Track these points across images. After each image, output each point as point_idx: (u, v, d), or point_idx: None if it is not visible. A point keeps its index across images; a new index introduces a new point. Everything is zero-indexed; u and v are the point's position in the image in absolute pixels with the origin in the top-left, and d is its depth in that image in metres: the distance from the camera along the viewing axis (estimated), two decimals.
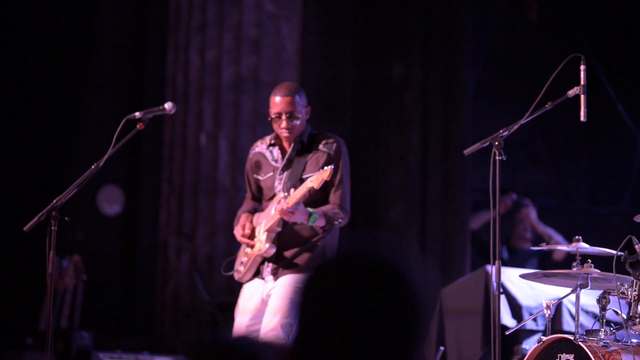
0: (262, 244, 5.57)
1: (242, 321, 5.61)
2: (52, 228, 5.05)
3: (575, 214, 10.40)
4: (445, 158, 9.55)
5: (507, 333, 5.60)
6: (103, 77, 10.20)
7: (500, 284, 4.94)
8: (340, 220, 5.56)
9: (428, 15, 9.69)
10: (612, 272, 5.03)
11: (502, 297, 6.39)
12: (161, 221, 9.52)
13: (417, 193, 9.55)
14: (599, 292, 5.17)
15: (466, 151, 5.34)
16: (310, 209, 5.45)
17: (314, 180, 5.33)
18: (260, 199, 5.84)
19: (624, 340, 5.05)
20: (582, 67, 5.08)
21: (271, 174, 5.72)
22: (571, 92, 5.07)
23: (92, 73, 10.11)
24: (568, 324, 6.68)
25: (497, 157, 5.01)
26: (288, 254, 5.59)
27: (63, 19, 9.91)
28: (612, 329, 5.11)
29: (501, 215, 4.88)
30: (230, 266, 5.84)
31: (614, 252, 5.09)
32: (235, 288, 5.85)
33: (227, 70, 9.24)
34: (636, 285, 4.99)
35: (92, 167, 5.16)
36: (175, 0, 9.57)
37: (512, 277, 6.76)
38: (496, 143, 5.03)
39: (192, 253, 9.17)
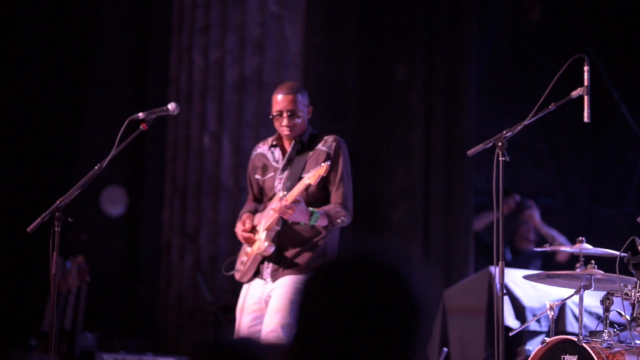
0: (262, 242, 5.59)
1: (243, 321, 5.63)
2: (56, 229, 5.05)
3: (579, 215, 10.39)
4: (448, 159, 9.55)
5: (510, 334, 5.59)
6: (106, 77, 10.21)
7: (503, 285, 4.93)
8: (343, 218, 5.56)
9: (431, 16, 9.69)
10: (615, 273, 5.02)
11: (506, 298, 6.38)
12: (164, 222, 9.52)
13: (420, 194, 9.54)
14: (602, 293, 5.17)
15: (469, 152, 5.33)
16: (311, 209, 5.46)
17: (311, 176, 5.35)
18: (261, 201, 5.85)
19: (627, 341, 5.05)
20: (586, 68, 5.07)
21: (272, 174, 5.73)
22: (575, 93, 5.06)
23: (95, 73, 10.11)
24: (571, 325, 6.67)
25: (500, 158, 5.01)
26: (289, 254, 5.60)
27: (66, 19, 9.91)
28: (615, 330, 5.11)
29: (504, 217, 4.87)
30: (232, 266, 5.86)
31: (617, 253, 5.09)
32: (238, 289, 5.85)
33: (230, 71, 9.24)
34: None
35: (96, 167, 5.16)
36: (179, 0, 9.57)
37: (516, 278, 6.76)
38: (500, 144, 5.03)
39: (195, 254, 9.17)
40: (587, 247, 5.33)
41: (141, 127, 5.28)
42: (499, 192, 4.96)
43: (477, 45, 9.87)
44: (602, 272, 5.16)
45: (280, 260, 5.60)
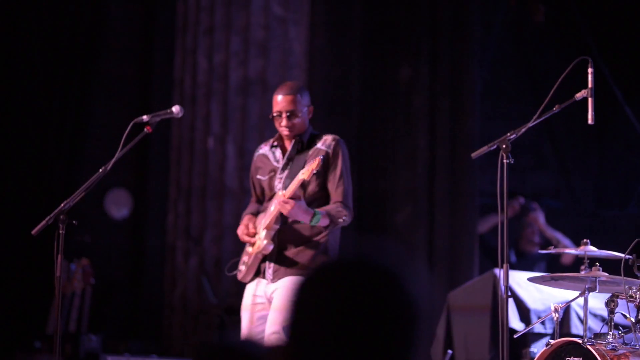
0: (261, 240, 5.61)
1: (247, 321, 5.66)
2: (60, 232, 5.06)
3: (583, 217, 10.38)
4: (452, 160, 9.54)
5: (515, 336, 5.59)
6: (110, 80, 10.21)
7: (508, 287, 4.93)
8: (344, 217, 5.57)
9: (435, 17, 9.68)
10: (620, 275, 5.02)
11: (510, 301, 6.39)
12: (169, 224, 9.52)
13: (425, 196, 9.53)
14: (607, 296, 5.17)
15: (474, 154, 5.33)
16: (314, 209, 5.48)
17: (305, 172, 5.39)
18: (264, 201, 5.87)
19: (632, 343, 5.05)
20: (590, 70, 5.07)
21: (273, 174, 5.76)
22: (579, 95, 5.06)
23: (100, 76, 10.12)
24: (576, 327, 6.67)
25: (504, 161, 5.01)
26: (289, 252, 5.61)
27: (70, 21, 9.92)
28: (620, 332, 5.11)
29: (509, 219, 4.87)
30: (235, 267, 5.88)
31: (622, 255, 5.09)
32: (242, 291, 5.87)
33: (234, 73, 9.24)
34: None
35: (100, 170, 5.17)
36: (183, 3, 9.57)
37: (520, 281, 6.76)
38: (504, 146, 5.03)
39: (200, 256, 9.17)
40: (592, 250, 5.32)
41: (145, 129, 5.28)
42: (504, 195, 4.96)
43: (481, 47, 9.86)
44: (606, 274, 5.15)
45: (281, 260, 5.62)
